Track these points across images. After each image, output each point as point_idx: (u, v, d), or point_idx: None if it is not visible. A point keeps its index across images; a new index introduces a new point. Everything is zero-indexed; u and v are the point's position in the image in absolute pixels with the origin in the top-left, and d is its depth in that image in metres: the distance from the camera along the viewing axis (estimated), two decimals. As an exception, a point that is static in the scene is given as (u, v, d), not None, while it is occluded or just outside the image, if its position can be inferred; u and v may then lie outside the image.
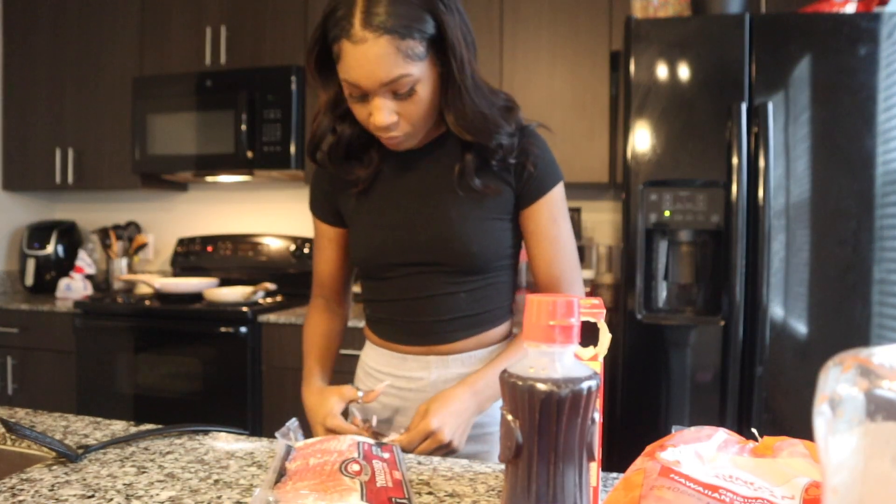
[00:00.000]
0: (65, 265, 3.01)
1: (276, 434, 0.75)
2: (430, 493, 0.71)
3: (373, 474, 0.66)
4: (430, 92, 0.90)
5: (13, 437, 0.88)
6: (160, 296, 2.57)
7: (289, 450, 0.73)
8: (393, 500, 0.62)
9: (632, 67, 1.78)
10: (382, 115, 0.88)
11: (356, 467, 0.66)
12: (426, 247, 0.99)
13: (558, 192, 1.01)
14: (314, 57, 0.91)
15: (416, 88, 0.88)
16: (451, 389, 0.95)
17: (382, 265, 1.03)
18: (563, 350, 0.47)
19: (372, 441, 0.76)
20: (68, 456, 0.79)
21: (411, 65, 0.85)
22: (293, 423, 0.77)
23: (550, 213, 1.00)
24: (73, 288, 2.84)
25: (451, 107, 0.91)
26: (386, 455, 0.73)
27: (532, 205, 0.99)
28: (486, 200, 0.98)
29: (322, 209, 1.11)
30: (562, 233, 1.01)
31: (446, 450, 0.92)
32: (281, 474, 0.68)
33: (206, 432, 0.92)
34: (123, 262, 3.00)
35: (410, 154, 1.01)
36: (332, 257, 1.13)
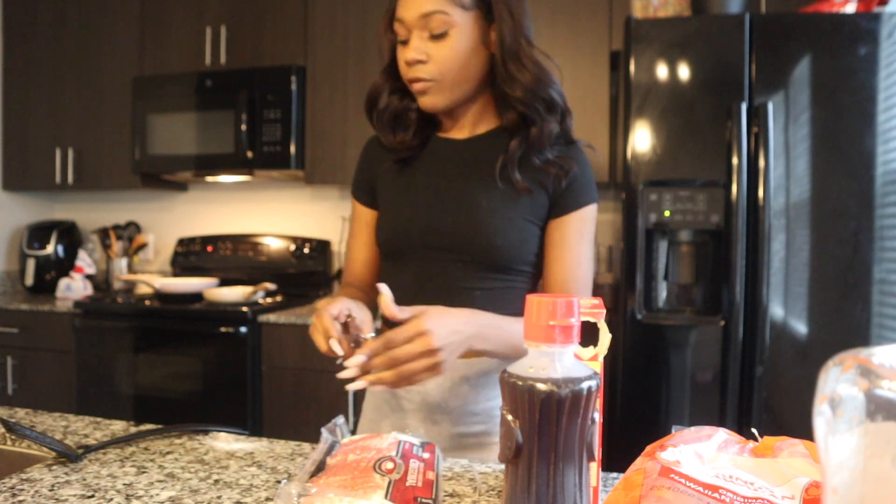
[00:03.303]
0: (65, 265, 3.01)
1: (322, 429, 0.75)
2: (430, 493, 0.71)
3: (405, 473, 0.66)
4: (466, 45, 0.93)
5: (13, 436, 0.88)
6: (160, 296, 2.57)
7: (333, 445, 0.74)
8: (419, 499, 0.63)
9: (632, 67, 1.78)
10: (411, 52, 0.93)
11: (390, 465, 0.67)
12: (449, 231, 0.98)
13: (590, 211, 1.00)
14: (389, 15, 0.97)
15: (451, 32, 0.92)
16: (452, 308, 0.84)
17: (404, 245, 1.01)
18: (563, 350, 0.47)
19: (416, 441, 0.76)
20: (68, 456, 0.79)
21: (452, 7, 0.91)
22: (340, 419, 0.78)
23: (579, 229, 0.99)
24: (73, 288, 2.84)
25: (500, 73, 0.95)
26: (426, 455, 0.73)
27: (563, 216, 0.99)
28: (520, 198, 0.97)
29: (361, 189, 1.11)
30: (584, 252, 1.00)
31: (430, 361, 0.77)
32: (319, 468, 0.69)
33: (206, 432, 0.92)
34: (123, 262, 3.00)
35: (456, 141, 1.03)
36: (368, 241, 1.10)
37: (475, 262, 0.98)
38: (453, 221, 0.98)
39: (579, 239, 0.99)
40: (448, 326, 0.79)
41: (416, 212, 1.00)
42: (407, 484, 0.65)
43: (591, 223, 1.01)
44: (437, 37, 0.92)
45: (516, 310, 0.98)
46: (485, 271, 0.98)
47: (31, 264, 2.97)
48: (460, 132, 1.05)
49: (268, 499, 0.69)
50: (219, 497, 0.69)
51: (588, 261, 1.00)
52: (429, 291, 1.00)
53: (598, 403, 0.50)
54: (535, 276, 1.04)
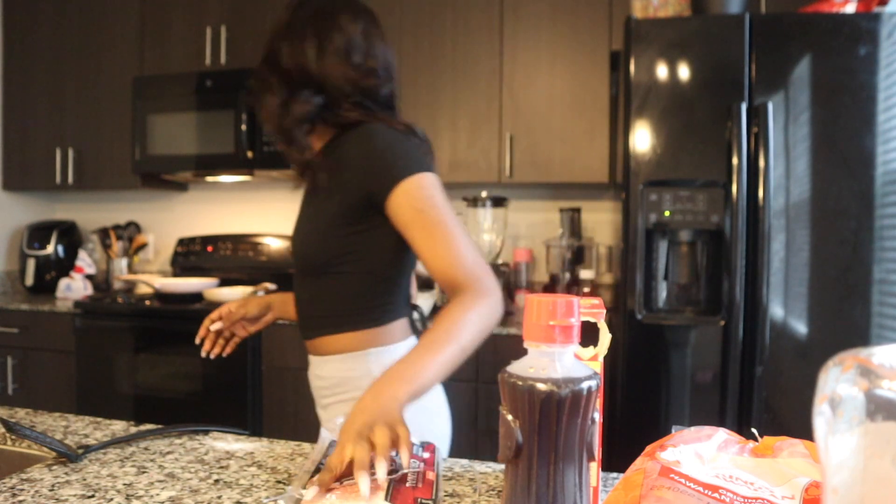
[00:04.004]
0: (65, 265, 3.01)
1: (322, 429, 0.76)
2: (430, 493, 0.71)
3: (406, 473, 0.66)
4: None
5: (13, 437, 0.88)
6: (160, 296, 2.57)
7: (332, 445, 0.74)
8: (419, 500, 0.63)
9: (632, 67, 1.78)
10: None
11: (390, 465, 0.67)
12: (291, 246, 1.12)
13: (415, 183, 0.94)
14: None
15: None
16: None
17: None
18: (563, 350, 0.47)
19: (416, 441, 0.76)
20: (68, 456, 0.79)
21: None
22: (339, 419, 0.79)
23: (411, 203, 0.93)
24: (74, 288, 2.83)
25: None
26: (426, 455, 0.73)
27: (387, 200, 0.95)
28: (326, 203, 1.01)
29: None
30: (438, 223, 0.91)
31: (350, 445, 0.68)
32: (319, 468, 0.69)
33: (206, 432, 0.92)
34: (123, 262, 3.00)
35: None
36: None
37: (300, 270, 1.08)
38: (292, 237, 1.12)
39: (418, 212, 0.93)
40: (348, 420, 0.73)
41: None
42: (407, 484, 0.65)
43: (423, 190, 0.94)
44: None
45: (341, 308, 1.04)
46: (306, 277, 1.07)
47: (31, 264, 2.97)
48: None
49: (268, 498, 0.69)
50: (219, 497, 0.69)
51: (449, 228, 0.92)
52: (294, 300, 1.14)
53: (598, 403, 0.50)
54: (360, 272, 1.02)
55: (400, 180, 0.94)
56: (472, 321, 0.84)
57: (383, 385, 0.78)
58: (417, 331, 1.12)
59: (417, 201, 0.93)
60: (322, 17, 1.03)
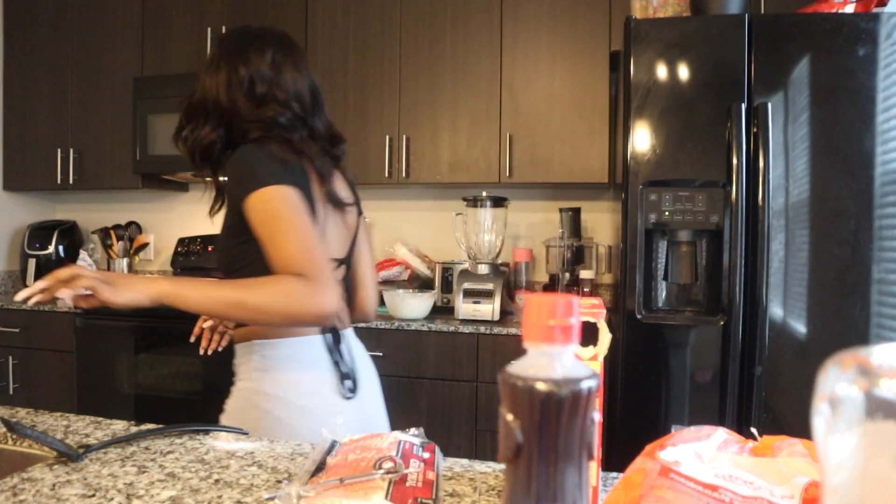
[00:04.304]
0: (66, 265, 3.01)
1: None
2: (430, 493, 0.71)
3: (406, 473, 0.66)
4: None
5: (14, 436, 0.88)
6: (160, 296, 2.57)
7: (333, 444, 0.75)
8: (419, 500, 0.63)
9: (632, 67, 1.78)
10: None
11: (390, 465, 0.67)
12: None
13: (259, 197, 1.01)
14: None
15: None
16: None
17: None
18: (563, 350, 0.47)
19: (416, 441, 0.76)
20: (69, 455, 0.79)
21: None
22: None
23: (255, 217, 1.01)
24: (74, 288, 2.83)
25: None
26: (426, 455, 0.73)
27: (243, 213, 1.03)
28: (226, 218, 1.13)
29: None
30: (277, 233, 0.99)
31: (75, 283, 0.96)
32: (319, 468, 0.69)
33: (206, 432, 0.92)
34: (124, 262, 3.00)
35: None
36: None
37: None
38: None
39: (261, 225, 1.01)
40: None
41: None
42: (407, 484, 0.65)
43: (263, 205, 1.01)
44: None
45: None
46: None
47: (32, 264, 2.97)
48: None
49: (268, 499, 0.69)
50: (219, 497, 0.70)
51: (287, 238, 0.99)
52: None
53: (598, 403, 0.50)
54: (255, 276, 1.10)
55: (246, 196, 1.02)
56: (273, 291, 0.93)
57: (154, 276, 0.91)
58: (326, 330, 1.13)
59: (259, 214, 1.01)
60: (233, 52, 1.14)
